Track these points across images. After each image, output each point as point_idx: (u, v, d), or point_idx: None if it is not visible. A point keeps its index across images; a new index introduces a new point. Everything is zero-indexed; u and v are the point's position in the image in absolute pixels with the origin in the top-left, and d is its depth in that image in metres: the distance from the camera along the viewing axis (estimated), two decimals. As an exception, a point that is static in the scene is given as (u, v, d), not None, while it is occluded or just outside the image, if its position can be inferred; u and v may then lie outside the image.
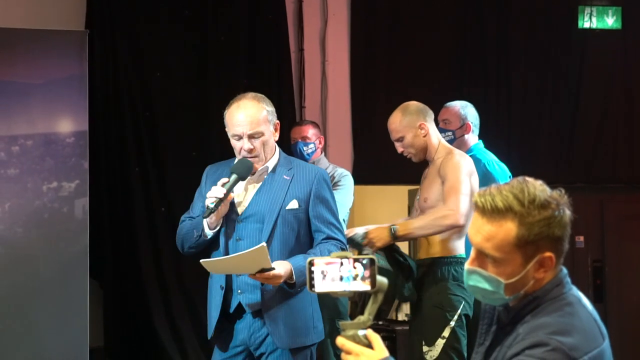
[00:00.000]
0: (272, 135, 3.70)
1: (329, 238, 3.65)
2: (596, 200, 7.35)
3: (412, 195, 8.90)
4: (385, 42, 7.04)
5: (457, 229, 4.25)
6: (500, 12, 7.18)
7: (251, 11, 6.66)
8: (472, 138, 5.22)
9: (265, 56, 6.69)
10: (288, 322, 3.61)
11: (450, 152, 4.39)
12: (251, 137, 3.63)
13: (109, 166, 6.30)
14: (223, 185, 3.58)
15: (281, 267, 3.48)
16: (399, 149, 4.54)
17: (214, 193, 3.55)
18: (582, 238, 7.33)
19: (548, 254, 2.15)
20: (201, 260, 3.50)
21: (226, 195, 3.58)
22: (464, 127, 5.20)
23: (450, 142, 5.14)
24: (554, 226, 2.14)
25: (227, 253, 3.63)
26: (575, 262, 7.13)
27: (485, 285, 2.18)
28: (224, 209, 3.62)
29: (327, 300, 5.32)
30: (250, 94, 3.71)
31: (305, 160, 5.55)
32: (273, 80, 6.68)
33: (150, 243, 6.32)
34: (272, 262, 3.47)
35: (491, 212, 2.15)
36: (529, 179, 2.20)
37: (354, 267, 2.14)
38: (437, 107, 5.46)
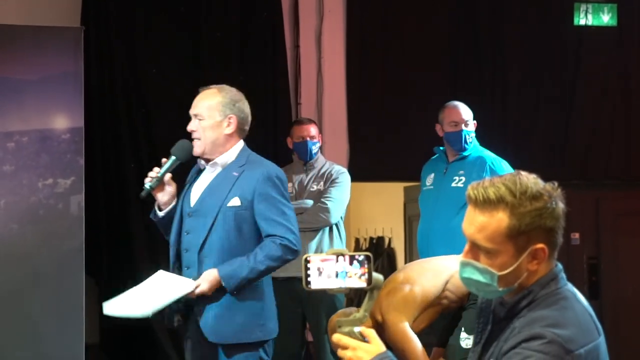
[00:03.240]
0: (219, 125, 3.72)
1: (268, 236, 3.65)
2: (591, 197, 7.35)
3: (408, 192, 8.93)
4: (381, 38, 7.03)
5: None
6: (495, 8, 7.18)
7: (247, 7, 6.66)
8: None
9: (261, 53, 6.68)
10: (224, 317, 3.63)
11: (382, 326, 4.25)
12: (194, 117, 3.74)
13: (104, 162, 6.30)
14: (162, 166, 3.73)
15: (205, 282, 3.57)
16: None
17: (151, 173, 3.72)
18: (577, 235, 7.33)
19: (540, 245, 2.16)
20: (105, 312, 3.61)
21: (162, 174, 3.71)
22: (473, 125, 5.21)
23: (472, 142, 5.15)
24: (546, 217, 2.15)
25: (179, 245, 3.73)
26: (570, 259, 7.12)
27: (479, 277, 2.19)
28: (168, 190, 3.76)
29: (325, 297, 5.34)
30: (222, 85, 3.83)
31: (310, 158, 5.58)
32: (268, 77, 6.68)
33: (146, 239, 6.32)
34: (212, 259, 3.58)
35: (483, 203, 2.17)
36: (523, 172, 2.22)
37: (350, 264, 2.14)
38: (434, 102, 5.47)
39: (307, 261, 2.16)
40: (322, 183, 5.52)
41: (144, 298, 3.61)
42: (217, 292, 3.62)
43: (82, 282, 5.52)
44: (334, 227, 5.48)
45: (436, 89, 6.72)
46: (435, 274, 4.17)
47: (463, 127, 5.16)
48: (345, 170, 5.65)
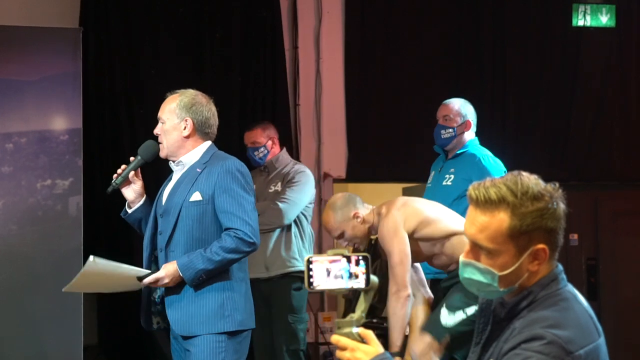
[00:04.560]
0: (176, 128, 3.81)
1: (227, 229, 3.70)
2: (590, 198, 7.35)
3: (406, 193, 8.93)
4: (379, 39, 7.04)
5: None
6: (495, 9, 7.19)
7: (245, 8, 6.66)
8: (469, 135, 5.27)
9: (260, 54, 6.68)
10: (190, 309, 3.70)
11: (381, 219, 4.28)
12: (159, 120, 3.85)
13: (103, 163, 6.29)
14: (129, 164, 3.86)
15: (163, 271, 3.67)
16: (344, 244, 4.41)
17: (118, 171, 3.86)
18: (576, 236, 7.34)
19: (541, 245, 2.17)
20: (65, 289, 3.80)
21: (127, 172, 3.84)
22: (464, 124, 5.23)
23: (451, 139, 5.19)
24: (547, 218, 2.16)
25: (153, 246, 3.84)
26: (569, 260, 7.13)
27: (479, 277, 2.19)
28: (133, 187, 3.89)
29: (288, 298, 5.39)
30: (186, 90, 3.91)
31: (259, 164, 5.58)
32: (267, 78, 6.68)
33: (145, 240, 6.32)
34: (177, 254, 3.67)
35: (484, 203, 2.17)
36: (524, 173, 2.22)
37: (355, 265, 2.14)
38: (432, 103, 5.48)
39: (309, 262, 2.16)
40: (279, 184, 5.50)
41: (100, 285, 3.84)
42: (182, 286, 3.70)
43: (80, 283, 5.51)
44: (293, 227, 5.44)
45: (435, 90, 6.72)
46: (448, 221, 4.25)
47: (440, 122, 5.25)
48: (305, 169, 5.61)
